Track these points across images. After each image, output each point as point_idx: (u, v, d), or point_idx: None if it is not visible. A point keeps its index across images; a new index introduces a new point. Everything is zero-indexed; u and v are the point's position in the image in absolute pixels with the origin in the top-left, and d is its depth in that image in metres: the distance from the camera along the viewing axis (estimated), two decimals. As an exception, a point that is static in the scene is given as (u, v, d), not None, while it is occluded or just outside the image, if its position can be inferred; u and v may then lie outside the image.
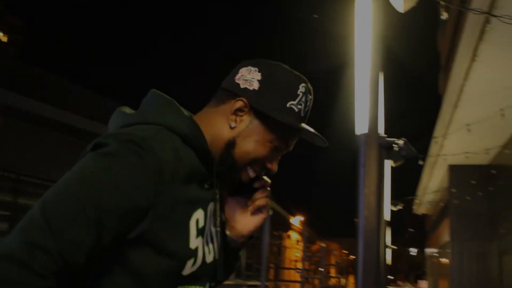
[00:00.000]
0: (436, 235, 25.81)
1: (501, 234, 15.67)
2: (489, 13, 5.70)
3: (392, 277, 59.19)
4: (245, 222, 1.27)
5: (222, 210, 1.26)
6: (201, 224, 1.12)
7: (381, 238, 2.90)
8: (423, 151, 14.77)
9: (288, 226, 29.23)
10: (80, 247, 0.94)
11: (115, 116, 1.18)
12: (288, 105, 1.18)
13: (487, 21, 5.79)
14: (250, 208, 1.26)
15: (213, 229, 1.19)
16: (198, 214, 1.12)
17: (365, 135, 2.79)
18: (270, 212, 1.29)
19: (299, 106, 1.19)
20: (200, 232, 1.12)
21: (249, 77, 1.18)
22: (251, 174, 1.22)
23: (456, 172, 16.96)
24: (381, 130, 2.91)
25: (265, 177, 1.26)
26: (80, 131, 9.18)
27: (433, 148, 14.65)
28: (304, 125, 1.22)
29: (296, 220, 32.52)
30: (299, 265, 20.42)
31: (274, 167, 1.23)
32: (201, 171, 1.13)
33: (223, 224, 1.27)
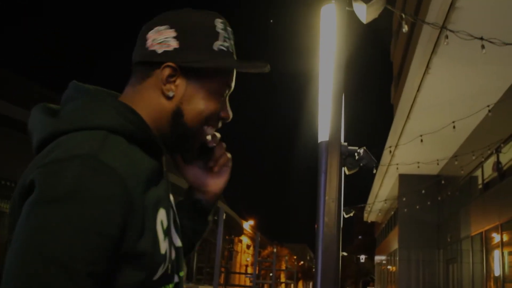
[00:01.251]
0: (385, 243, 26.29)
1: (447, 242, 16.13)
2: (445, 28, 5.88)
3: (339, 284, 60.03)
4: (215, 182, 1.20)
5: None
6: (165, 224, 1.04)
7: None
8: (375, 160, 15.04)
9: (240, 231, 29.23)
10: None
11: (39, 115, 1.03)
12: (215, 47, 1.07)
13: (445, 36, 5.96)
14: (216, 167, 1.20)
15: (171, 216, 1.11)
16: (161, 215, 1.03)
17: (327, 142, 2.81)
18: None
19: (226, 44, 1.10)
20: (166, 232, 1.05)
21: (162, 38, 1.06)
22: (210, 131, 1.13)
23: (406, 181, 17.36)
24: (342, 138, 2.96)
25: (215, 133, 1.17)
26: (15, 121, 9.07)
27: (385, 157, 14.96)
28: (237, 61, 1.12)
29: (248, 225, 32.59)
30: (250, 269, 20.45)
31: (228, 113, 1.13)
32: (153, 166, 1.03)
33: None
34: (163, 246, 1.02)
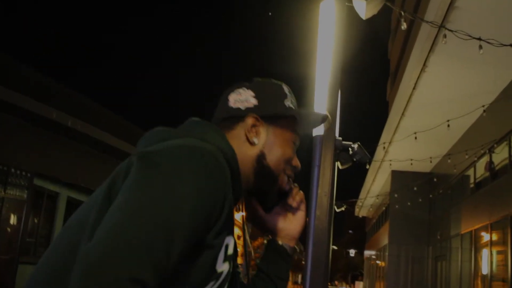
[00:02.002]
0: (375, 238, 26.41)
1: (437, 239, 16.23)
2: (444, 26, 5.89)
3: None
4: (292, 225, 1.32)
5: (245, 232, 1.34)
6: (230, 250, 1.12)
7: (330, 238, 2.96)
8: (369, 156, 15.09)
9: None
10: (168, 268, 0.91)
11: (154, 132, 1.16)
12: (286, 104, 1.25)
13: (443, 35, 5.98)
14: (294, 205, 1.31)
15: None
16: (228, 240, 1.11)
17: (322, 136, 2.83)
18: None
19: (293, 102, 1.27)
20: (228, 258, 1.11)
21: (243, 97, 1.23)
22: (285, 178, 1.27)
23: (399, 177, 17.43)
24: (337, 133, 2.98)
25: (290, 179, 1.30)
26: (29, 113, 9.05)
27: (379, 153, 15.00)
28: (306, 111, 1.29)
29: (239, 215, 32.60)
30: (240, 260, 20.43)
31: (298, 163, 1.28)
32: (235, 194, 1.12)
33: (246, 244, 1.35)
34: (220, 265, 1.08)
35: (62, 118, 10.24)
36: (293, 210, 1.32)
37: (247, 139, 1.20)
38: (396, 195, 16.74)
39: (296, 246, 1.38)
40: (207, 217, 0.97)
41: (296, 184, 1.32)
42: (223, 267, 1.10)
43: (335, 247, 24.22)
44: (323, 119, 1.28)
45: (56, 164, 10.92)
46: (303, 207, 1.33)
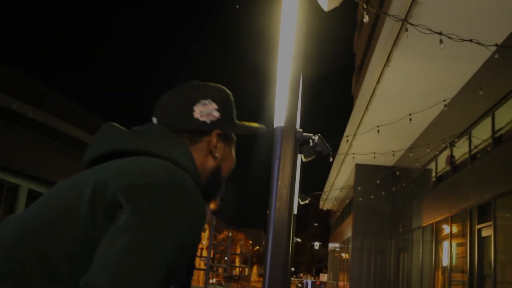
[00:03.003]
0: (339, 231, 26.69)
1: (399, 232, 16.50)
2: (406, 21, 5.94)
3: (293, 269, 60.98)
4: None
5: None
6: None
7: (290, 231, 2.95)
8: (333, 149, 15.23)
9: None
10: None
11: (112, 131, 1.21)
12: (234, 116, 1.34)
13: (405, 29, 6.03)
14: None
15: None
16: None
17: (282, 128, 2.81)
18: None
19: (235, 111, 1.36)
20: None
21: (208, 110, 1.28)
22: None
23: (362, 171, 17.63)
24: (297, 124, 2.95)
25: None
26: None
27: (343, 147, 15.13)
28: (252, 125, 1.38)
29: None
30: (205, 253, 20.49)
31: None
32: None
33: None
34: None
35: (22, 108, 10.01)
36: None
37: (211, 153, 1.28)
38: (359, 188, 16.94)
39: None
40: (195, 249, 1.08)
41: None
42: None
43: (299, 240, 24.35)
44: (260, 132, 1.40)
45: (17, 156, 10.68)
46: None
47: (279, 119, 3.04)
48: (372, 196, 16.84)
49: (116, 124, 1.23)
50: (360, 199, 17.76)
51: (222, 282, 41.60)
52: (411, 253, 14.90)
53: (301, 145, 3.15)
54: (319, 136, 3.25)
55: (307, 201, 13.72)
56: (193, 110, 1.28)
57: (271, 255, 3.05)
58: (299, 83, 3.01)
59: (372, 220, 18.09)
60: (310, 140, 3.17)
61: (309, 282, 40.43)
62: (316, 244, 53.73)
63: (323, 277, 38.72)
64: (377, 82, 10.11)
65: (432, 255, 12.63)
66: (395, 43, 8.34)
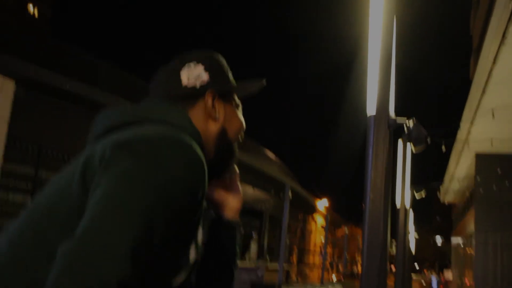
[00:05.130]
0: (461, 225, 25.50)
1: (527, 225, 15.40)
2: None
3: (417, 266, 59.05)
4: (234, 197, 1.34)
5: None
6: (199, 237, 1.16)
7: (389, 223, 2.80)
8: (451, 137, 14.49)
9: (313, 210, 29.14)
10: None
11: (107, 112, 1.17)
12: (230, 77, 1.30)
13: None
14: (233, 181, 1.35)
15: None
16: (199, 230, 1.16)
17: (374, 116, 2.67)
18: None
19: (229, 73, 1.32)
20: (196, 243, 1.15)
21: (196, 73, 1.23)
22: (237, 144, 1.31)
23: (483, 160, 16.64)
24: (391, 111, 2.78)
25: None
26: (105, 106, 9.29)
27: (461, 134, 14.37)
28: (249, 83, 1.33)
29: (322, 204, 32.42)
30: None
31: (244, 123, 1.33)
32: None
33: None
34: (193, 254, 1.12)
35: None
36: (232, 185, 1.35)
37: (209, 116, 1.22)
38: (479, 179, 16.00)
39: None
40: (190, 210, 0.98)
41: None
42: (193, 255, 1.12)
43: (416, 236, 23.66)
44: (260, 85, 1.32)
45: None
46: (238, 179, 1.37)
47: (371, 107, 2.88)
48: (494, 187, 15.84)
49: (113, 108, 1.19)
50: (482, 191, 16.76)
51: (342, 278, 41.24)
52: (542, 247, 13.82)
53: (409, 135, 2.97)
54: (413, 120, 3.02)
55: (423, 195, 13.09)
56: (180, 77, 1.24)
57: (367, 249, 2.88)
58: (389, 66, 2.83)
59: (495, 212, 16.99)
60: (405, 126, 2.96)
61: (434, 278, 38.76)
62: (439, 239, 51.66)
63: (448, 274, 37.03)
64: (493, 62, 9.45)
65: None
66: (510, 19, 7.73)
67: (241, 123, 1.30)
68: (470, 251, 20.78)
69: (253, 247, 18.91)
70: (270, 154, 20.93)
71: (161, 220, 0.89)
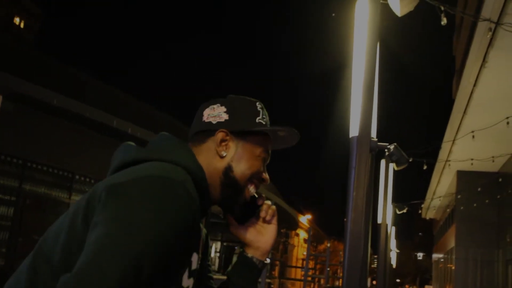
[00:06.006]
0: (442, 241, 25.67)
1: (507, 242, 15.56)
2: (490, 20, 5.65)
3: (398, 280, 59.22)
4: (264, 238, 1.37)
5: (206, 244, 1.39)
6: (194, 266, 1.23)
7: (368, 241, 2.91)
8: (433, 156, 14.68)
9: (296, 225, 29.17)
10: None
11: (123, 149, 1.24)
12: (257, 120, 1.31)
13: (489, 29, 5.74)
14: (268, 217, 1.37)
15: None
16: (194, 257, 1.22)
17: (356, 138, 2.80)
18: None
19: (265, 119, 1.33)
20: (192, 274, 1.23)
21: (216, 113, 1.29)
22: (252, 190, 1.32)
23: (464, 178, 16.84)
24: (373, 133, 2.91)
25: (261, 194, 1.39)
26: (92, 122, 9.34)
27: (442, 153, 14.57)
28: (274, 126, 1.34)
29: (305, 219, 32.46)
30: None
31: (267, 176, 1.34)
32: (202, 212, 1.19)
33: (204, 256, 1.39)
34: (186, 281, 1.20)
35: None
36: (267, 224, 1.38)
37: (217, 152, 1.27)
38: (459, 196, 16.20)
39: (267, 259, 1.41)
40: (176, 247, 1.04)
41: (268, 199, 1.39)
42: (188, 283, 1.21)
43: (396, 250, 23.64)
44: (293, 135, 1.34)
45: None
46: (274, 220, 1.38)
47: (354, 129, 3.00)
48: (475, 204, 16.04)
49: (131, 143, 1.28)
50: (462, 208, 16.97)
51: (323, 293, 41.08)
52: (521, 264, 14.00)
53: (391, 155, 3.10)
54: (395, 145, 3.17)
55: (404, 211, 13.28)
56: (202, 115, 1.33)
57: (347, 266, 3.01)
58: (373, 90, 2.96)
59: (476, 229, 17.19)
60: (386, 150, 3.10)
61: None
62: (420, 255, 51.90)
63: (429, 289, 37.18)
64: (474, 85, 9.66)
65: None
66: (490, 43, 7.94)
67: (255, 165, 1.29)
68: (451, 266, 20.95)
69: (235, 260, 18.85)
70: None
71: (148, 260, 0.97)
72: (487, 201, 15.77)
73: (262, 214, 1.37)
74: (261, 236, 1.37)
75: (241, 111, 1.31)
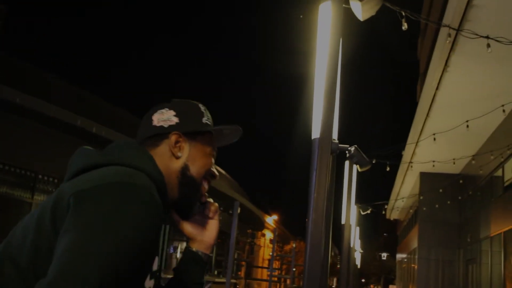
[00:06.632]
0: (406, 241, 26.05)
1: (467, 242, 15.92)
2: (449, 26, 5.79)
3: (363, 280, 59.90)
4: (208, 233, 1.43)
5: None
6: (155, 267, 1.29)
7: (328, 242, 2.95)
8: (397, 158, 14.90)
9: (262, 225, 29.25)
10: None
11: (81, 153, 1.27)
12: (203, 121, 1.38)
13: (447, 34, 5.88)
14: (211, 215, 1.43)
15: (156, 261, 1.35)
16: (155, 259, 1.28)
17: (318, 139, 2.84)
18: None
19: (209, 119, 1.41)
20: (153, 275, 1.29)
21: (165, 117, 1.35)
22: (206, 186, 1.40)
23: (426, 179, 17.16)
24: (335, 135, 2.95)
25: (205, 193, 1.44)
26: (59, 122, 9.20)
27: (406, 155, 14.81)
28: (219, 126, 1.41)
29: (271, 219, 32.57)
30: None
31: (216, 172, 1.41)
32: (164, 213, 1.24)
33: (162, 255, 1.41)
34: (147, 283, 1.25)
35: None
36: (209, 219, 1.44)
37: (172, 154, 1.33)
38: (422, 197, 16.50)
39: (211, 254, 1.51)
40: (144, 250, 1.08)
41: (210, 198, 1.45)
42: (149, 284, 1.26)
43: (360, 251, 23.90)
44: (236, 132, 1.43)
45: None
46: (217, 216, 1.45)
47: (316, 131, 3.04)
48: (437, 205, 16.36)
49: (88, 147, 1.30)
50: (425, 209, 17.30)
51: (289, 293, 41.30)
52: (480, 264, 14.34)
53: (351, 157, 3.14)
54: (355, 147, 3.22)
55: (368, 211, 13.44)
56: (152, 120, 1.37)
57: (308, 266, 3.04)
58: (334, 92, 3.00)
59: (438, 230, 17.55)
60: (346, 152, 3.15)
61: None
62: (384, 255, 52.64)
63: (393, 288, 37.74)
64: (437, 88, 9.87)
65: (502, 266, 12.10)
66: (452, 49, 8.13)
67: (208, 162, 1.37)
68: (414, 266, 21.31)
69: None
70: (220, 170, 20.99)
71: (122, 262, 1.01)
72: (449, 202, 16.10)
73: (206, 211, 1.43)
74: (205, 231, 1.43)
75: (189, 114, 1.38)
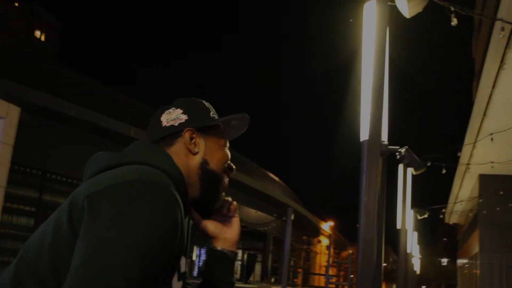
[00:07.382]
0: (466, 246, 25.31)
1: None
2: (502, 20, 5.56)
3: (424, 287, 58.53)
4: (230, 230, 1.40)
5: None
6: (182, 269, 1.26)
7: (380, 247, 2.86)
8: (454, 160, 14.49)
9: (318, 232, 29.00)
10: None
11: (96, 157, 1.26)
12: (211, 115, 1.38)
13: (501, 28, 5.64)
14: (230, 213, 1.41)
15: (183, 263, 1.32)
16: (182, 259, 1.25)
17: (366, 142, 2.75)
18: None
19: (215, 114, 1.41)
20: (181, 277, 1.26)
21: (174, 116, 1.35)
22: (226, 180, 1.37)
23: (486, 181, 16.60)
24: (384, 137, 2.86)
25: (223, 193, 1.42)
26: (107, 131, 9.40)
27: (463, 157, 14.38)
28: (232, 115, 1.39)
29: (327, 226, 32.25)
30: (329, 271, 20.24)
31: (233, 164, 1.40)
32: (185, 212, 1.22)
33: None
34: (175, 284, 1.22)
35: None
36: (229, 218, 1.42)
37: (189, 150, 1.31)
38: (480, 201, 15.95)
39: (236, 250, 1.44)
40: (166, 249, 1.06)
41: (228, 197, 1.43)
42: (177, 285, 1.23)
43: (419, 257, 23.40)
44: (244, 121, 1.41)
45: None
46: (236, 214, 1.43)
47: (365, 133, 2.96)
48: (498, 208, 15.78)
49: (104, 152, 1.28)
50: (485, 212, 16.71)
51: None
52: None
53: (402, 159, 3.04)
54: (406, 148, 3.11)
55: (425, 216, 13.10)
56: (161, 121, 1.36)
57: (361, 272, 2.95)
58: (382, 93, 2.91)
59: (500, 233, 16.91)
60: (397, 153, 3.04)
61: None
62: (444, 261, 51.23)
63: (454, 295, 36.66)
64: (493, 87, 9.53)
65: None
66: (507, 44, 7.82)
67: (225, 154, 1.36)
68: (476, 272, 20.64)
69: (257, 268, 18.85)
70: (273, 177, 20.96)
71: (141, 263, 0.98)
72: (510, 205, 15.53)
73: (224, 210, 1.40)
74: (227, 228, 1.41)
75: (196, 110, 1.37)
